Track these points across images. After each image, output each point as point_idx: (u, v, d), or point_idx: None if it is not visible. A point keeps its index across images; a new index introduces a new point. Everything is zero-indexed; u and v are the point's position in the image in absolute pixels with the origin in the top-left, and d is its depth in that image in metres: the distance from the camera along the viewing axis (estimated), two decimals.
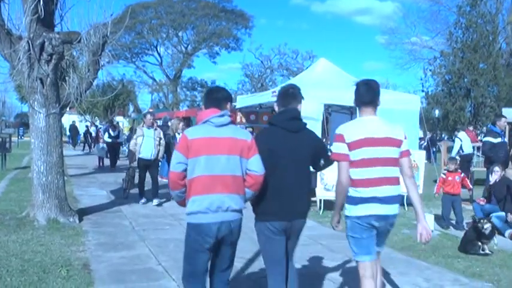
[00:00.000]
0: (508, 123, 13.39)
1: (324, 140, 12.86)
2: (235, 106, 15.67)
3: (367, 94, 4.28)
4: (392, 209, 4.20)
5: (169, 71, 58.25)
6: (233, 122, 4.20)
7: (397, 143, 4.21)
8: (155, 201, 11.31)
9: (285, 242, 4.34)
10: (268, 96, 12.52)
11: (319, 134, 11.63)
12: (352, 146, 4.10)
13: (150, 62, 57.68)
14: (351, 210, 4.19)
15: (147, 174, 11.53)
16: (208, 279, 4.16)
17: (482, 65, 37.16)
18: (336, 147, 4.17)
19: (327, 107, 13.06)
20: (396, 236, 8.79)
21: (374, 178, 4.10)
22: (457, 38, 38.48)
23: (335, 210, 4.30)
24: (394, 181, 4.19)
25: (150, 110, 42.00)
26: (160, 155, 11.45)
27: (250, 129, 15.14)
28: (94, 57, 9.36)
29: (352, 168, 4.11)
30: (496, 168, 9.51)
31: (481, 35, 37.28)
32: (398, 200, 4.29)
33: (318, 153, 4.44)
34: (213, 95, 4.26)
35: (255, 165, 4.04)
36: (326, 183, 10.86)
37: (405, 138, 4.28)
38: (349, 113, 13.86)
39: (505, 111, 18.15)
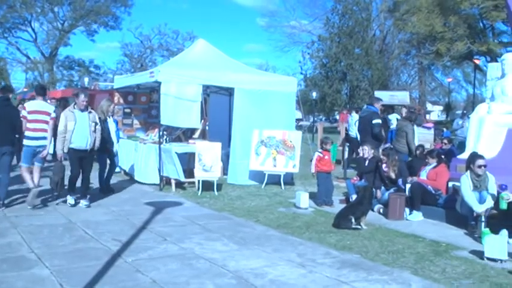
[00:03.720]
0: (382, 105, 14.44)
1: (202, 121, 12.86)
2: (112, 87, 15.18)
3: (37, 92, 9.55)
4: (41, 143, 8.95)
5: (45, 48, 55.12)
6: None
7: (48, 114, 9.07)
8: (83, 203, 9.29)
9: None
10: (146, 77, 12.18)
11: (197, 114, 11.60)
12: (29, 112, 8.89)
13: (23, 38, 54.10)
14: (27, 143, 8.89)
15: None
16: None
17: (358, 50, 38.97)
18: (24, 112, 8.93)
19: (206, 88, 13.04)
20: (272, 214, 9.01)
21: (36, 128, 8.88)
22: (333, 24, 40.00)
23: None
24: (44, 131, 8.98)
25: (25, 90, 39.87)
26: (97, 143, 9.42)
27: (129, 110, 14.82)
28: None
29: (28, 123, 8.80)
30: (365, 147, 10.01)
31: (356, 22, 39.05)
32: (45, 139, 9.02)
33: (17, 116, 8.94)
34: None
35: None
36: (204, 164, 10.86)
37: (54, 111, 9.23)
38: (228, 94, 13.87)
39: (377, 93, 19.22)
